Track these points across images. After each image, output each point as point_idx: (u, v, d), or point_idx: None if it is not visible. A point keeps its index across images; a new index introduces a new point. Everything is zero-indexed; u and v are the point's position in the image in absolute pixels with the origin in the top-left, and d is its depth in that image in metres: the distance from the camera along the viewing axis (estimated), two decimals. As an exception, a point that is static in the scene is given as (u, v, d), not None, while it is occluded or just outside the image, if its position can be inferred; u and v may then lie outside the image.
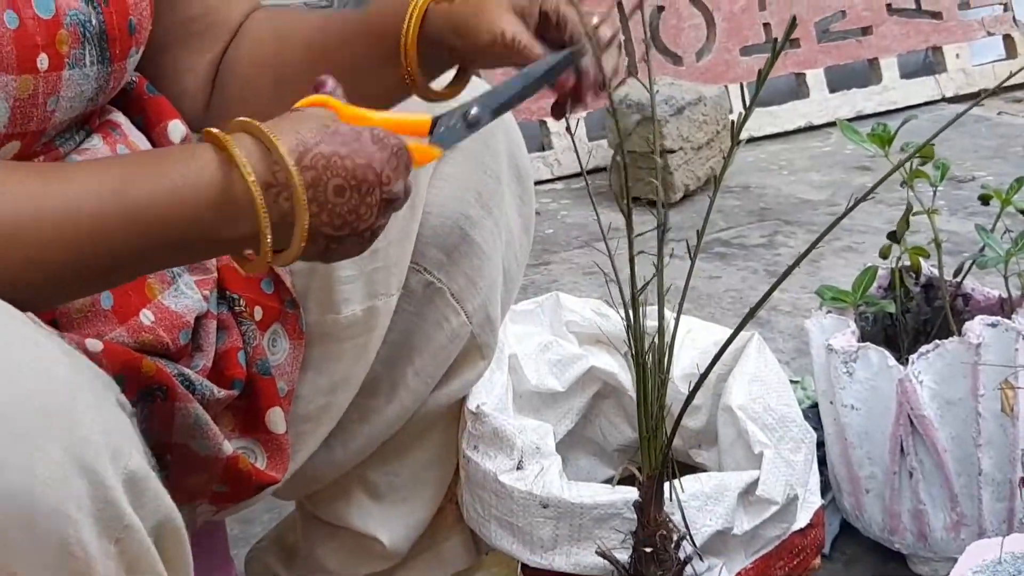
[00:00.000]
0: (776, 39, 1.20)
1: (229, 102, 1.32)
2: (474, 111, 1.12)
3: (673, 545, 1.35)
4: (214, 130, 0.99)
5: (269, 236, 0.98)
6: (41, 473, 0.79)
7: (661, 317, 1.31)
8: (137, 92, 1.27)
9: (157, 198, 0.96)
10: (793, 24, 1.17)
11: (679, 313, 1.31)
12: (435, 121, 1.11)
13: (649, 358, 1.29)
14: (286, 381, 1.29)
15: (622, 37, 1.18)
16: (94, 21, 1.11)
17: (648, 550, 1.35)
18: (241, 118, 1.00)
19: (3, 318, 0.84)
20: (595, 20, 1.17)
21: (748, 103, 1.22)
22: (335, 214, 1.00)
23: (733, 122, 1.23)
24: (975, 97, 4.08)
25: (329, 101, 1.06)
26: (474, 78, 1.28)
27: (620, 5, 3.69)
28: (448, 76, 1.27)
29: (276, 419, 1.24)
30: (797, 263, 1.20)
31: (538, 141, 3.55)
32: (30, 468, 0.79)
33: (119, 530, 0.85)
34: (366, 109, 1.07)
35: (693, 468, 1.63)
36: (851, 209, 1.18)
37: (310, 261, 1.04)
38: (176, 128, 1.26)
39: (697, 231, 1.28)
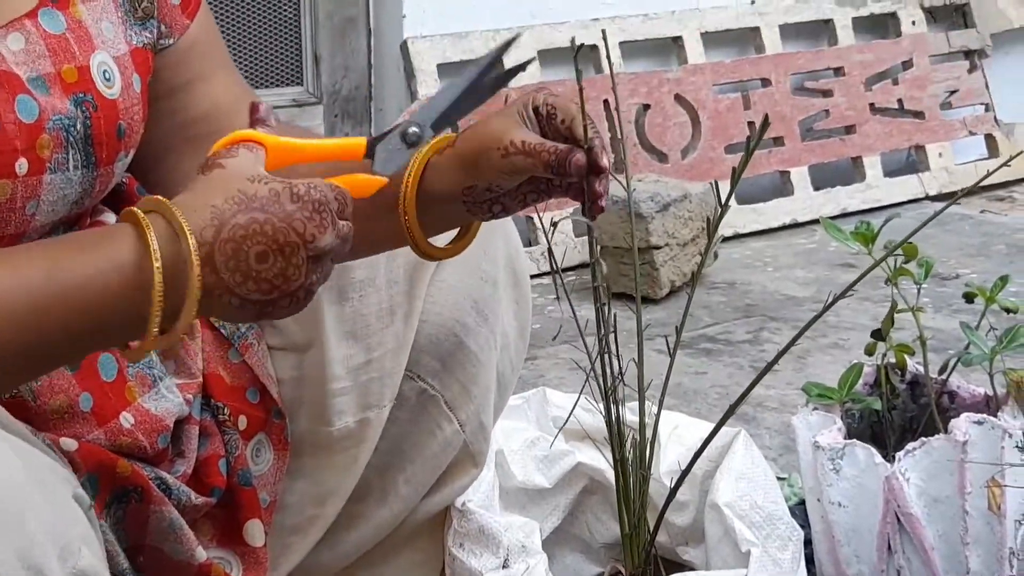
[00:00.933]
0: (748, 138, 1.21)
1: None
2: (412, 129, 1.09)
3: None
4: (133, 209, 0.98)
5: (158, 317, 0.95)
6: None
7: (642, 411, 1.31)
8: (128, 192, 1.26)
9: (86, 279, 0.95)
10: (766, 122, 1.19)
11: (660, 407, 1.31)
12: (370, 144, 1.08)
13: (631, 453, 1.29)
14: (268, 492, 1.28)
15: (606, 136, 1.19)
16: (79, 126, 1.10)
17: (633, 648, 1.34)
18: (153, 196, 0.99)
19: None
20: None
21: (725, 199, 1.23)
22: (262, 280, 0.97)
23: (709, 218, 1.24)
24: (960, 197, 4.13)
25: (256, 136, 1.03)
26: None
27: (607, 103, 3.73)
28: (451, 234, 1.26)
29: (255, 531, 1.23)
30: (779, 356, 1.21)
31: (525, 237, 3.57)
32: None
33: None
34: (296, 139, 1.04)
35: (680, 566, 1.62)
36: (831, 304, 1.19)
37: (247, 322, 1.02)
38: None
39: (676, 327, 1.29)
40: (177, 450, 1.19)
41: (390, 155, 1.08)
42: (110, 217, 1.22)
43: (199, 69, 1.28)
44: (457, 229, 1.24)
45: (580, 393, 1.36)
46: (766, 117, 1.21)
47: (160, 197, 0.98)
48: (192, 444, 1.20)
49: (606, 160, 1.16)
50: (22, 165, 1.05)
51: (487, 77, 1.13)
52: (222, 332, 1.30)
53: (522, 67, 1.17)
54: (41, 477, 0.86)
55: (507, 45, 1.15)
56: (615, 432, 1.27)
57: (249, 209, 0.97)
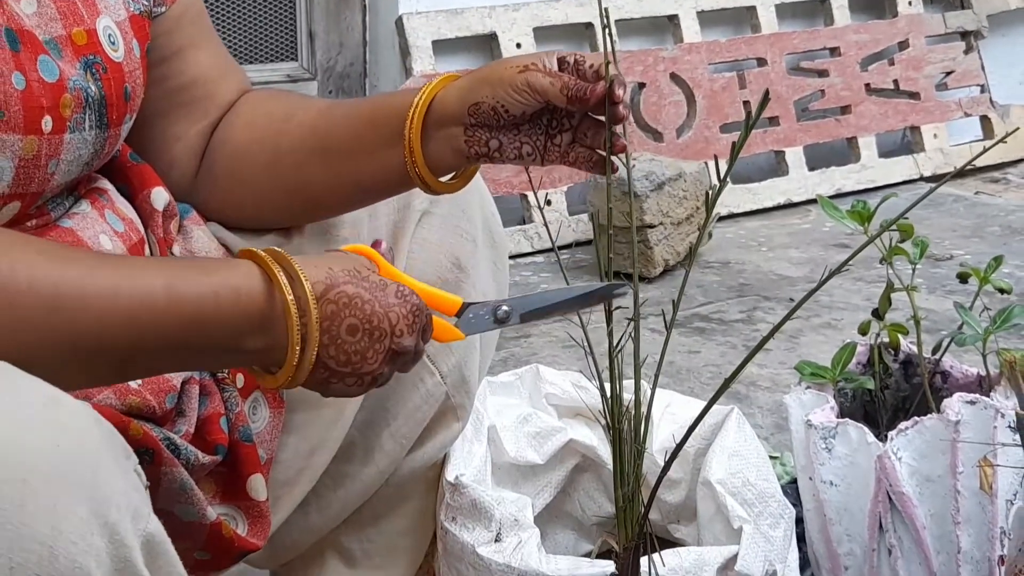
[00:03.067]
0: (748, 111, 1.21)
1: (219, 177, 1.34)
2: (504, 308, 1.18)
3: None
4: (254, 249, 1.05)
5: (298, 349, 1.04)
6: (65, 528, 0.80)
7: (637, 387, 1.31)
8: (121, 160, 1.28)
9: (201, 295, 1.01)
10: (766, 98, 1.19)
11: (655, 383, 1.31)
12: (465, 306, 1.17)
13: (625, 428, 1.29)
14: (265, 449, 1.29)
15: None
16: (94, 88, 1.13)
17: (625, 624, 1.34)
18: (275, 249, 1.05)
19: (39, 383, 0.86)
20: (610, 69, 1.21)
21: (722, 176, 1.23)
22: (342, 350, 1.06)
23: (708, 193, 1.24)
24: (953, 176, 4.13)
25: (374, 256, 1.12)
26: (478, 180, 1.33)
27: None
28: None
29: (257, 486, 1.24)
30: (772, 333, 1.21)
31: (519, 215, 3.57)
32: (55, 523, 0.80)
33: None
34: (407, 276, 1.13)
35: (672, 543, 1.63)
36: (827, 279, 1.18)
37: (309, 389, 1.08)
38: (159, 195, 1.28)
39: (673, 301, 1.29)
40: (179, 410, 1.20)
41: (476, 320, 1.18)
42: (104, 184, 1.24)
43: (189, 37, 1.33)
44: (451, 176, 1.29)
45: (597, 370, 1.36)
46: (766, 93, 1.21)
47: (279, 249, 1.05)
48: (193, 403, 1.21)
49: (623, 92, 1.21)
50: (47, 122, 1.08)
51: (583, 301, 1.21)
52: None
53: (610, 309, 1.25)
54: (114, 443, 0.87)
55: (613, 287, 1.21)
56: (613, 406, 1.26)
57: (358, 284, 1.06)
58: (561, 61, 1.22)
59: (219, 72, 1.36)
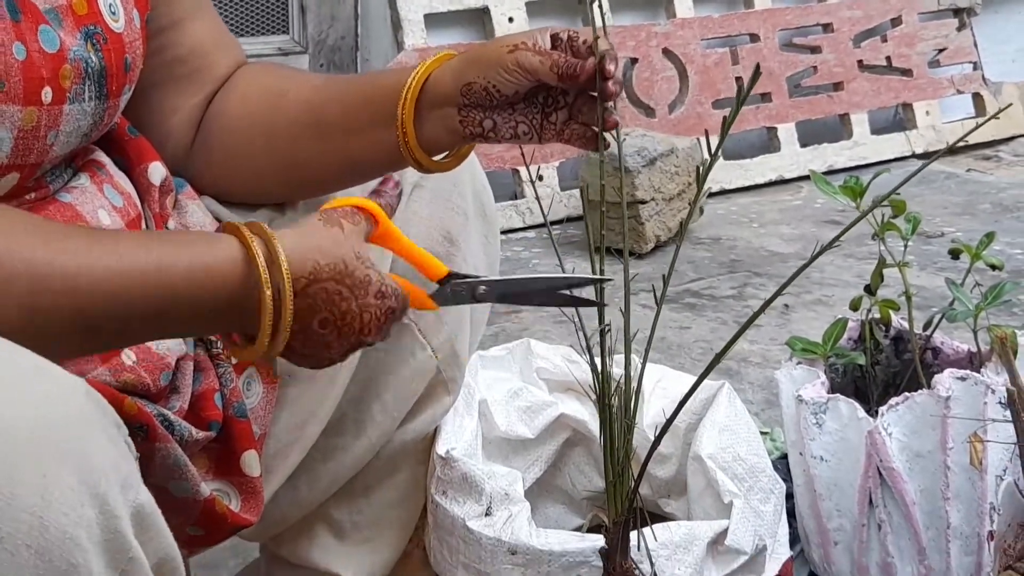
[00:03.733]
0: (740, 86, 1.21)
1: (214, 150, 1.34)
2: (482, 289, 1.19)
3: (641, 593, 1.35)
4: (239, 224, 1.05)
5: (267, 339, 1.05)
6: (55, 499, 0.80)
7: (628, 361, 1.31)
8: (118, 133, 1.28)
9: (191, 268, 1.01)
10: (757, 72, 1.18)
11: (645, 358, 1.31)
12: (449, 275, 1.19)
13: (615, 403, 1.29)
14: (259, 424, 1.29)
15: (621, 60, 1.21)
16: (94, 59, 1.13)
17: (614, 598, 1.34)
18: (261, 226, 1.05)
19: (27, 354, 0.86)
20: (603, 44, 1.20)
21: (714, 150, 1.23)
22: (310, 340, 1.07)
23: (699, 168, 1.24)
24: (945, 154, 4.13)
25: (375, 211, 1.13)
26: (472, 157, 1.34)
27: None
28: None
29: (251, 462, 1.24)
30: (763, 308, 1.21)
31: (511, 190, 3.56)
32: (45, 493, 0.80)
33: (124, 562, 0.85)
34: (399, 231, 1.15)
35: (662, 518, 1.63)
36: (819, 254, 1.18)
37: (264, 357, 1.09)
38: (156, 170, 1.27)
39: (663, 276, 1.29)
40: (173, 386, 1.19)
41: (455, 295, 1.19)
42: (102, 157, 1.24)
43: (187, 8, 1.32)
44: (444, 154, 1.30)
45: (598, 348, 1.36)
46: (757, 68, 1.20)
47: (266, 227, 1.05)
48: (187, 379, 1.21)
49: (614, 67, 1.20)
50: (47, 94, 1.07)
51: (560, 290, 1.21)
52: None
53: (588, 303, 1.24)
54: (103, 412, 0.87)
55: (594, 281, 1.23)
56: (603, 381, 1.26)
57: (341, 282, 1.07)
58: (554, 38, 1.21)
59: (215, 44, 1.36)
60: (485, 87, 1.20)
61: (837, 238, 1.16)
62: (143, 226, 1.23)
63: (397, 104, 1.23)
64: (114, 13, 1.17)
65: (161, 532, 0.90)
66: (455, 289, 1.18)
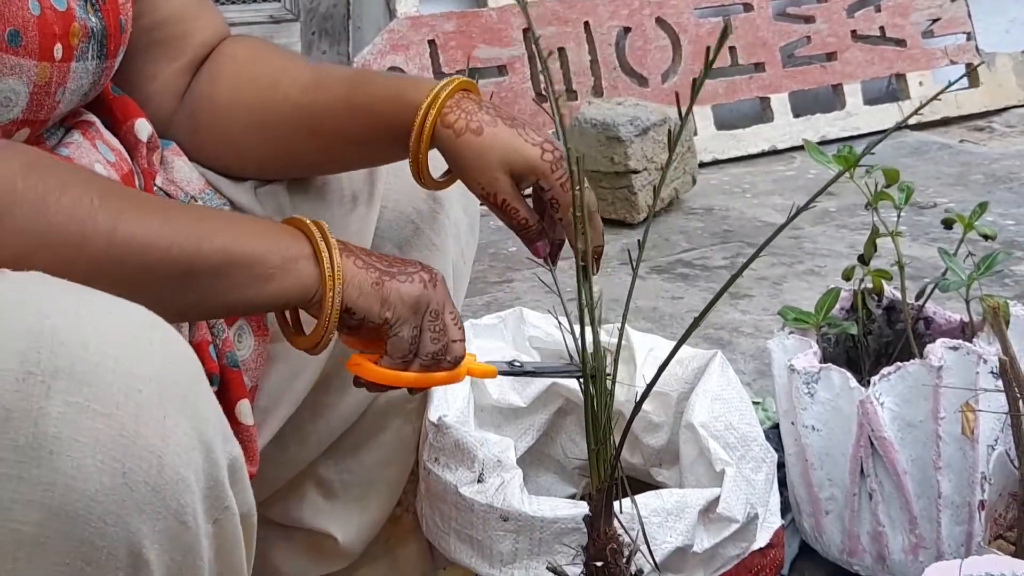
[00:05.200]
0: (707, 48, 1.20)
1: (200, 128, 1.34)
2: (516, 364, 1.35)
3: (625, 560, 1.34)
4: (307, 221, 1.14)
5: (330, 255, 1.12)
6: (172, 441, 0.84)
7: (594, 322, 1.31)
8: (103, 92, 1.28)
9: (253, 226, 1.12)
10: (725, 32, 1.17)
11: (623, 323, 1.31)
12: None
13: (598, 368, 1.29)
14: (250, 377, 1.30)
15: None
16: (95, 19, 1.14)
17: (599, 564, 1.34)
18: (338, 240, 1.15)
19: (141, 308, 0.90)
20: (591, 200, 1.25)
21: (686, 110, 1.22)
22: (382, 258, 1.17)
23: (670, 131, 1.24)
24: (937, 125, 4.13)
25: None
26: None
27: (587, 25, 3.71)
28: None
29: (245, 411, 1.25)
30: (741, 271, 1.20)
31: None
32: (165, 435, 0.84)
33: (219, 510, 0.89)
34: None
35: (654, 486, 1.63)
36: (797, 214, 1.18)
37: (361, 300, 1.14)
38: (143, 126, 1.28)
39: (638, 241, 1.28)
40: None
41: (496, 364, 1.33)
42: (90, 116, 1.24)
43: None
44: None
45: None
46: (726, 27, 1.19)
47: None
48: (183, 331, 1.22)
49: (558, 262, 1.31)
50: (58, 50, 1.09)
51: (561, 373, 1.38)
52: None
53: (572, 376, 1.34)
54: (201, 369, 0.91)
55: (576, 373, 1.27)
56: (583, 347, 1.26)
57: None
58: (539, 189, 1.25)
59: (193, 12, 1.36)
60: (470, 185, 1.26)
61: (815, 197, 1.16)
62: (135, 181, 1.23)
63: (399, 124, 1.26)
64: None
65: (248, 487, 0.94)
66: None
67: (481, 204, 1.27)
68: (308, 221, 1.12)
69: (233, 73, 1.35)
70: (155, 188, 1.27)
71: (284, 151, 1.33)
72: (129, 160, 1.24)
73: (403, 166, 1.41)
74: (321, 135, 1.30)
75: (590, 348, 1.27)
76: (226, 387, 1.25)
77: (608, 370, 1.27)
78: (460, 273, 1.53)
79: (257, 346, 1.31)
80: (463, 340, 1.22)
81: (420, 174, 1.28)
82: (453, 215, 1.48)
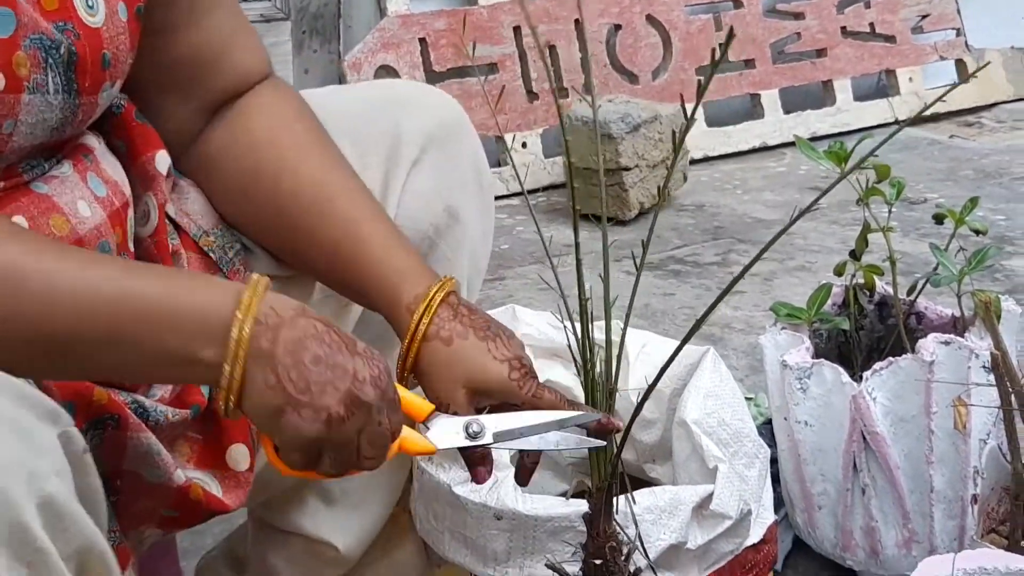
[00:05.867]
0: (712, 50, 1.20)
1: (213, 185, 1.31)
2: (475, 427, 1.18)
3: (623, 557, 1.35)
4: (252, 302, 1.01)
5: (242, 356, 0.99)
6: None
7: (608, 325, 1.31)
8: (125, 117, 1.24)
9: (165, 287, 1.00)
10: (730, 36, 1.18)
11: (626, 323, 1.31)
12: (433, 415, 1.18)
13: (598, 367, 1.29)
14: None
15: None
16: (63, 50, 1.07)
17: (598, 562, 1.34)
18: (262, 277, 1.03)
19: None
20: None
21: (690, 115, 1.22)
22: (303, 376, 1.00)
23: (674, 132, 1.24)
24: (927, 120, 4.13)
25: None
26: None
27: (577, 23, 3.71)
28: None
29: (239, 456, 1.22)
30: (745, 271, 1.21)
31: (494, 157, 3.55)
32: None
33: (29, 553, 0.84)
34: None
35: (647, 483, 1.63)
36: (798, 218, 1.18)
37: (259, 422, 1.04)
38: (163, 159, 1.24)
39: (642, 241, 1.28)
40: None
41: (447, 434, 1.17)
42: (92, 141, 1.19)
43: (188, 11, 1.26)
44: None
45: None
46: (731, 30, 1.20)
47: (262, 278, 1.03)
48: None
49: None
50: None
51: (554, 433, 1.21)
52: (211, 256, 1.29)
53: (589, 445, 1.23)
54: (11, 402, 0.86)
55: (589, 421, 1.22)
56: (585, 347, 1.26)
57: (329, 326, 1.03)
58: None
59: (215, 52, 1.29)
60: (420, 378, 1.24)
61: (817, 200, 1.16)
62: (129, 214, 1.19)
63: (382, 305, 1.25)
64: (92, 7, 1.11)
65: (77, 520, 0.88)
66: (445, 426, 1.18)
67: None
68: (246, 298, 1.00)
69: (243, 149, 1.30)
70: (166, 221, 1.24)
71: (281, 240, 1.31)
72: (127, 193, 1.20)
73: (422, 181, 1.41)
74: (311, 248, 1.28)
75: (597, 344, 1.28)
76: (222, 431, 1.21)
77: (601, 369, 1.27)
78: (472, 286, 1.52)
79: None
80: (380, 457, 1.09)
81: (404, 372, 1.24)
82: (470, 229, 1.45)
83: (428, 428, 1.18)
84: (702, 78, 3.93)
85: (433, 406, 1.19)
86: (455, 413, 1.21)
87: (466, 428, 1.18)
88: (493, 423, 1.19)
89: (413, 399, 1.17)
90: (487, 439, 1.18)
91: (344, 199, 1.28)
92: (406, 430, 1.13)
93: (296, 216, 1.28)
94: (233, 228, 1.32)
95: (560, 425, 1.21)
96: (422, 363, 1.23)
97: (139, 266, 1.10)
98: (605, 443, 1.23)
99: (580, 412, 1.22)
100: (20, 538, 0.83)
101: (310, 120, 1.32)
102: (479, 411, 1.24)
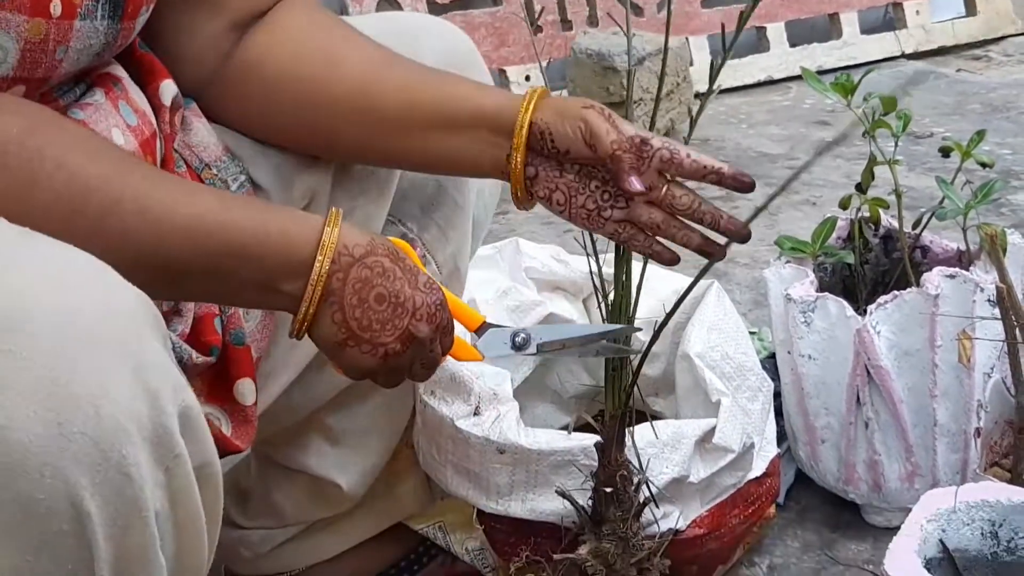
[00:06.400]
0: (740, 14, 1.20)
1: (245, 99, 1.29)
2: (522, 336, 1.28)
3: (633, 488, 1.35)
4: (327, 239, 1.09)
5: (320, 289, 1.09)
6: (111, 389, 0.82)
7: (629, 258, 1.31)
8: (129, 47, 1.22)
9: (253, 224, 1.07)
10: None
11: (646, 260, 1.32)
12: (485, 325, 1.29)
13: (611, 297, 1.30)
14: (256, 348, 1.27)
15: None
16: None
17: (608, 490, 1.35)
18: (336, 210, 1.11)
19: (90, 256, 0.87)
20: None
21: (725, 52, 1.22)
22: (366, 315, 1.11)
23: (713, 63, 1.24)
24: (934, 54, 4.10)
25: (411, 252, 1.21)
26: None
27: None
28: None
29: (245, 390, 1.23)
30: (758, 213, 1.20)
31: (498, 91, 3.53)
32: (101, 383, 0.82)
33: (170, 459, 0.87)
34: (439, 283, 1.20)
35: (650, 417, 1.63)
36: (813, 160, 1.17)
37: (326, 350, 1.14)
38: (168, 88, 1.22)
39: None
40: (175, 308, 1.18)
41: (495, 344, 1.29)
42: (119, 71, 1.19)
43: None
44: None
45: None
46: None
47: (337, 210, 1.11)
48: (189, 303, 1.19)
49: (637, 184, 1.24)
50: (56, 7, 1.04)
51: (599, 343, 1.29)
52: None
53: (626, 352, 1.31)
54: (154, 316, 0.89)
55: (629, 334, 1.31)
56: (620, 279, 1.28)
57: (395, 262, 1.13)
58: (644, 143, 1.25)
59: None
60: (543, 129, 1.24)
61: (832, 144, 1.15)
62: (155, 145, 1.19)
63: (471, 118, 1.25)
64: None
65: (204, 436, 0.91)
66: (495, 337, 1.28)
67: (570, 130, 1.24)
68: (327, 236, 1.09)
69: (292, 43, 1.29)
70: (174, 152, 1.23)
71: (329, 133, 1.29)
72: (153, 122, 1.20)
73: None
74: (376, 123, 1.27)
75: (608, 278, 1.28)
76: (228, 364, 1.22)
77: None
78: (480, 226, 1.52)
79: (264, 317, 1.29)
80: (431, 372, 1.22)
81: (516, 188, 1.27)
82: (475, 182, 1.46)
83: (478, 338, 1.29)
84: (707, 11, 3.89)
85: (484, 317, 1.29)
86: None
87: (512, 338, 1.28)
88: (538, 334, 1.28)
89: (466, 310, 1.28)
90: (531, 349, 1.28)
91: (403, 57, 1.31)
92: (456, 339, 1.23)
93: (355, 78, 1.28)
94: (268, 141, 1.31)
95: (599, 337, 1.28)
96: (543, 100, 1.25)
97: (230, 197, 1.17)
98: (641, 351, 1.29)
99: (617, 326, 1.30)
100: (165, 441, 0.86)
101: (345, 23, 1.34)
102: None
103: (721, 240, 1.27)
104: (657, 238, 1.29)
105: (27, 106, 1.01)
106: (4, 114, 0.97)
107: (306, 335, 1.12)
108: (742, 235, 1.26)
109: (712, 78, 1.28)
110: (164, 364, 0.87)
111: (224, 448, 1.21)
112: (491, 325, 1.29)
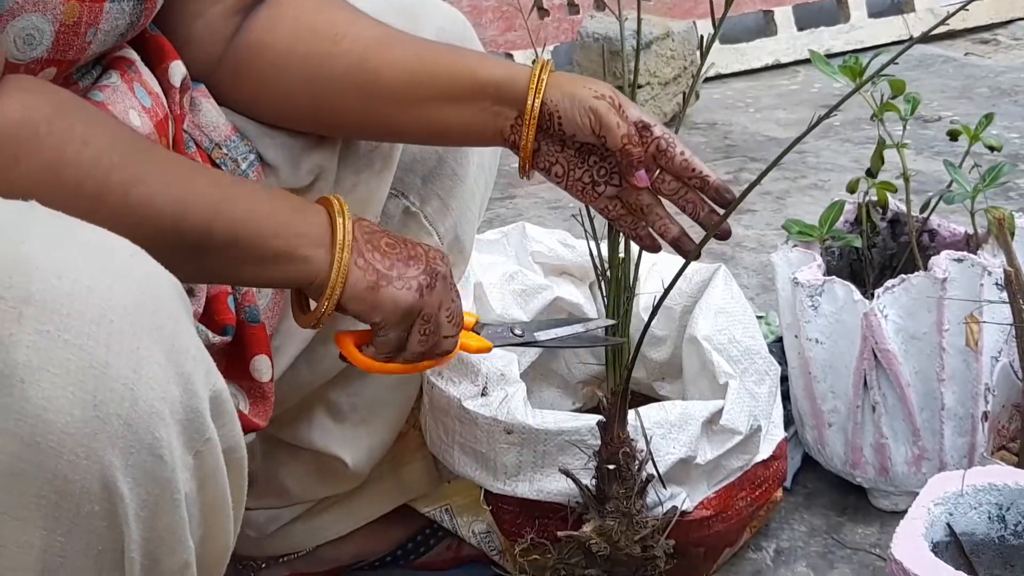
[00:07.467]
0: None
1: (246, 79, 1.30)
2: (517, 330, 1.36)
3: (636, 466, 1.35)
4: (335, 203, 1.15)
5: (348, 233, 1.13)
6: (145, 372, 0.83)
7: (627, 244, 1.31)
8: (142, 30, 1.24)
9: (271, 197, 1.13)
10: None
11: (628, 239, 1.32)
12: (479, 324, 1.35)
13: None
14: (268, 325, 1.28)
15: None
16: None
17: (611, 467, 1.35)
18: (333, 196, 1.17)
19: (124, 240, 0.88)
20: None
21: (716, 27, 1.22)
22: (386, 258, 1.16)
23: (702, 39, 1.24)
24: (942, 38, 4.09)
25: None
26: None
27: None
28: None
29: (261, 367, 1.23)
30: (757, 181, 1.21)
31: (504, 74, 3.52)
32: (137, 367, 0.83)
33: (200, 443, 0.88)
34: None
35: (657, 401, 1.63)
36: (814, 126, 1.17)
37: (356, 301, 1.15)
38: (177, 69, 1.23)
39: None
40: (188, 288, 1.18)
41: (496, 335, 1.35)
42: (131, 53, 1.19)
43: None
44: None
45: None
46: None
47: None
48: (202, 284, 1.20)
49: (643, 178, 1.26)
50: None
51: (585, 334, 1.38)
52: (222, 169, 1.28)
53: (616, 342, 1.38)
54: (186, 301, 0.90)
55: (614, 328, 1.37)
56: (614, 259, 1.27)
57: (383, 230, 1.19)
58: (646, 127, 1.27)
59: None
60: (551, 111, 1.25)
61: (835, 107, 1.15)
62: (168, 127, 1.20)
63: (473, 89, 1.26)
64: None
65: (233, 421, 0.92)
66: (495, 330, 1.34)
67: (580, 118, 1.26)
68: (336, 204, 1.14)
69: (293, 21, 1.29)
70: (184, 133, 1.24)
71: (330, 107, 1.29)
72: (166, 104, 1.20)
73: None
74: (376, 94, 1.27)
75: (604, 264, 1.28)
76: (244, 342, 1.23)
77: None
78: (479, 200, 1.52)
79: (275, 293, 1.30)
80: (456, 335, 1.25)
81: (525, 161, 1.29)
82: (476, 155, 1.47)
83: (479, 333, 1.34)
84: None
85: (478, 316, 1.34)
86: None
87: (511, 330, 1.35)
88: (530, 332, 1.35)
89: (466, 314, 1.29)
90: (530, 338, 1.35)
91: (407, 33, 1.32)
92: (465, 332, 1.27)
93: (363, 59, 1.28)
94: (275, 122, 1.32)
95: (589, 329, 1.36)
96: (552, 78, 1.27)
97: (234, 180, 1.20)
98: (623, 340, 1.34)
99: (601, 319, 1.39)
100: (197, 425, 0.87)
101: (345, 2, 1.35)
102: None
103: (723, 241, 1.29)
104: (642, 223, 1.29)
105: (53, 88, 1.02)
106: (34, 95, 0.98)
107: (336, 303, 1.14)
108: (720, 230, 1.27)
109: (703, 55, 1.29)
110: (197, 348, 0.87)
111: (244, 426, 1.21)
112: (485, 324, 1.34)
